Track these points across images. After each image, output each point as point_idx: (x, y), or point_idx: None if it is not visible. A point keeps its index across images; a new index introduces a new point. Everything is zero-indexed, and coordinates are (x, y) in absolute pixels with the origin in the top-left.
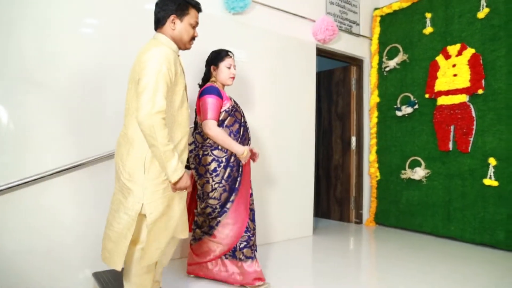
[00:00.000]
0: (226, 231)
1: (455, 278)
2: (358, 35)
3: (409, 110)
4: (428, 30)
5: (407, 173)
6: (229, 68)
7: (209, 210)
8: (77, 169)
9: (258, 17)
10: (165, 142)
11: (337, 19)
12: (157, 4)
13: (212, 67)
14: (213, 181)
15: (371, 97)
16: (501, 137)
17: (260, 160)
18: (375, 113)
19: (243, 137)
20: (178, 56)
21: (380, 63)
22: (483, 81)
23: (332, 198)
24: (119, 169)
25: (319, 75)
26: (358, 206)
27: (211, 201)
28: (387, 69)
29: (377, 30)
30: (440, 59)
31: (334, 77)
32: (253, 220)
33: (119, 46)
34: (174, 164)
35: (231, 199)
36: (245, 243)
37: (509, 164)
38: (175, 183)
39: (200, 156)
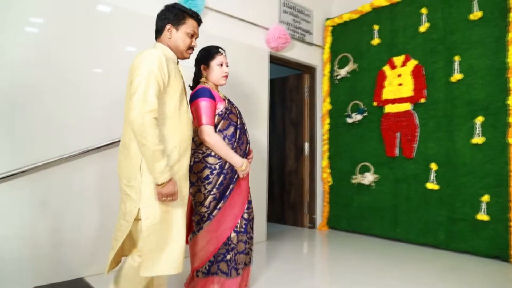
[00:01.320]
0: (206, 240)
1: (402, 278)
2: (310, 43)
3: (358, 117)
4: (376, 41)
5: (357, 178)
6: (221, 66)
7: (197, 218)
8: (15, 178)
9: (211, 24)
10: (156, 142)
11: (290, 27)
12: (157, 16)
13: (202, 67)
14: (205, 189)
15: (323, 104)
16: (440, 144)
17: None
18: (327, 120)
19: (240, 140)
20: (178, 63)
21: (332, 71)
22: (425, 91)
23: (286, 203)
24: (120, 176)
25: (273, 82)
26: (311, 211)
27: (202, 209)
28: (338, 77)
29: (329, 39)
30: (386, 69)
31: (288, 84)
32: (241, 232)
33: (68, 47)
34: (163, 165)
35: (218, 207)
36: (222, 256)
37: (448, 169)
38: (161, 186)
39: (192, 163)
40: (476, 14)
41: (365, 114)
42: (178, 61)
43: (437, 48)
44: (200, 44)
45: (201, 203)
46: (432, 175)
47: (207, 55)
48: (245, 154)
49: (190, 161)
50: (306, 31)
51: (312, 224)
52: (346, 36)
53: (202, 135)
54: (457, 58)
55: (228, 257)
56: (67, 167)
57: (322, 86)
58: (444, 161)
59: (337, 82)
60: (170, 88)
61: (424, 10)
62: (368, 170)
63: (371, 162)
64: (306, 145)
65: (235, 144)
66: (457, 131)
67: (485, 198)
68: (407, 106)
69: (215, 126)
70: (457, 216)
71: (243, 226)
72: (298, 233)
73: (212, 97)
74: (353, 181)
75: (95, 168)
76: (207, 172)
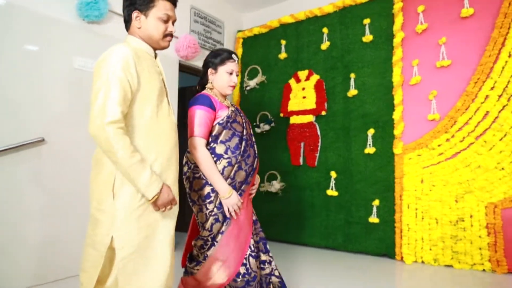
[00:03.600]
0: (214, 269)
1: (305, 280)
2: None
3: (266, 127)
4: (283, 55)
5: (265, 186)
6: (230, 74)
7: (200, 242)
8: None
9: (117, 28)
10: (128, 155)
11: (201, 37)
12: (123, 5)
13: (209, 70)
14: (207, 209)
15: None
16: (339, 153)
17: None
18: None
19: (245, 153)
20: (155, 56)
21: (242, 82)
22: (325, 104)
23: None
24: (90, 197)
25: (184, 91)
26: None
27: (204, 233)
28: (248, 88)
29: (240, 51)
30: (292, 82)
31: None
32: (256, 257)
33: None
34: (147, 177)
35: (221, 230)
36: None
37: (345, 176)
38: (155, 201)
39: (191, 179)
40: (368, 37)
41: (272, 125)
42: (156, 55)
43: (336, 65)
44: (106, 49)
45: (203, 225)
46: (332, 183)
47: (218, 59)
48: (253, 169)
49: (190, 177)
50: (217, 41)
51: None
52: (256, 48)
53: (190, 147)
54: (352, 75)
55: None
56: None
57: (232, 97)
58: (342, 169)
59: (246, 92)
60: (142, 93)
61: (325, 30)
62: (275, 178)
63: (277, 170)
64: None
65: (239, 157)
66: (353, 142)
67: (376, 202)
68: (310, 118)
69: (216, 137)
70: (353, 219)
71: (255, 250)
72: None
73: (211, 105)
74: (262, 189)
75: None
76: (207, 189)
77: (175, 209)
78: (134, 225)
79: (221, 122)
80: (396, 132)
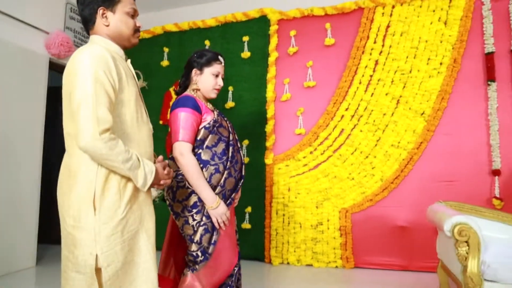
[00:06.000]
0: (202, 285)
1: None
2: None
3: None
4: (165, 63)
5: None
6: (216, 76)
7: (190, 258)
8: None
9: None
10: (126, 158)
11: (77, 35)
12: (79, 2)
13: (194, 71)
14: (194, 219)
15: None
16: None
17: None
18: None
19: (233, 159)
20: (126, 59)
21: None
22: None
23: None
24: (62, 214)
25: (57, 90)
26: None
27: (193, 248)
28: None
29: None
30: (173, 90)
31: None
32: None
33: None
34: (142, 174)
35: (213, 241)
36: None
37: None
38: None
39: (175, 188)
40: (246, 54)
41: (151, 132)
42: (126, 57)
43: None
44: None
45: (191, 237)
46: None
47: (204, 59)
48: (242, 176)
49: (173, 187)
50: None
51: None
52: (139, 53)
53: (175, 152)
54: (231, 88)
55: None
56: None
57: None
58: None
59: None
60: (122, 97)
61: (207, 42)
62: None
63: None
64: None
65: (227, 163)
66: None
67: (249, 209)
68: None
69: (202, 142)
70: None
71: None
72: None
73: (196, 107)
74: None
75: None
76: (194, 199)
77: (151, 224)
78: (119, 239)
79: (207, 126)
80: (268, 144)
